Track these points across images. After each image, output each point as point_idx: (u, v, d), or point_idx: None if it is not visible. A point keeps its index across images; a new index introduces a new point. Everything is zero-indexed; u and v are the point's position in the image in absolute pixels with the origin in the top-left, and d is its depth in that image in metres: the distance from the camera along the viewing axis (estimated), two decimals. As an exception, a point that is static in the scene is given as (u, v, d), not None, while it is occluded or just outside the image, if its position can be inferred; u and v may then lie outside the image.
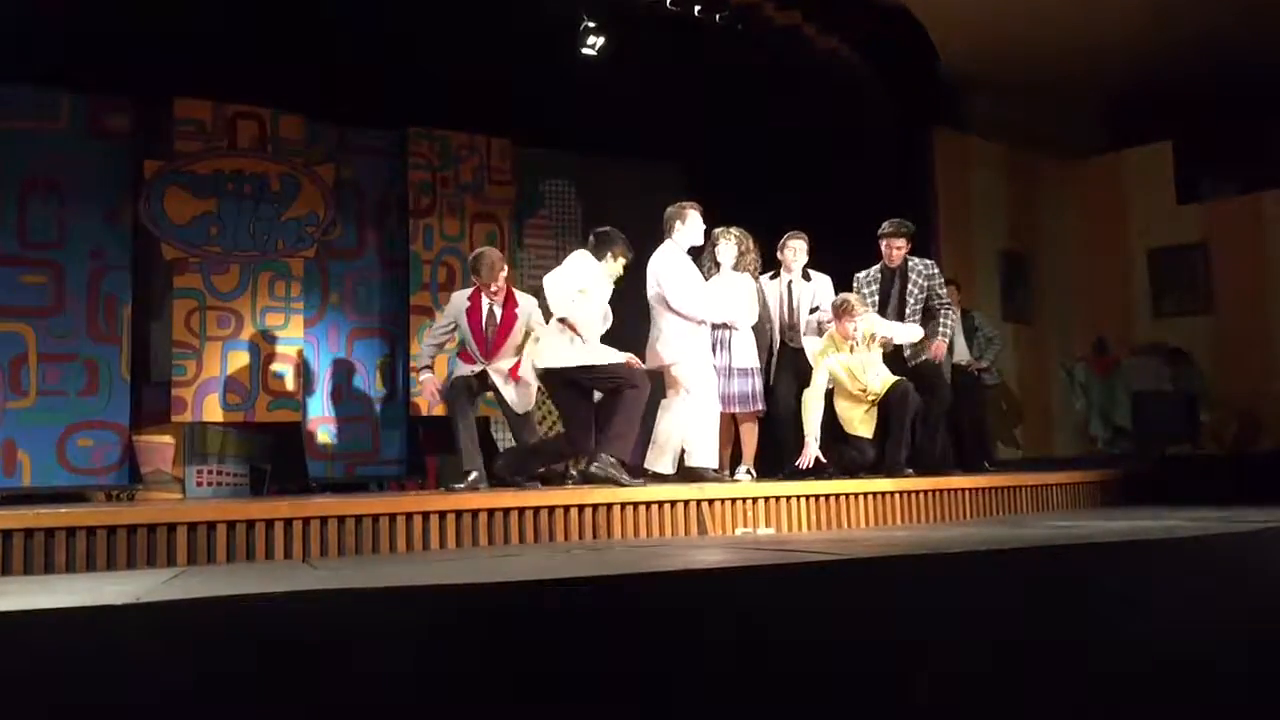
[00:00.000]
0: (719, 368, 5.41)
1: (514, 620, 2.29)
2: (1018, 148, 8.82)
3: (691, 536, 4.20)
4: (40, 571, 3.18)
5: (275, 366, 6.22)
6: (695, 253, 5.48)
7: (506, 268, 5.22)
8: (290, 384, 6.27)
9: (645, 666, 2.28)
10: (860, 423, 5.39)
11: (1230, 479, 6.07)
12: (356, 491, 6.11)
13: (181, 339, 6.01)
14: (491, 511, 3.89)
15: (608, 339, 4.89)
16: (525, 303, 5.19)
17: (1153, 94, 8.31)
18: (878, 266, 5.87)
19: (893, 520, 4.79)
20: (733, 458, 5.61)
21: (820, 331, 5.64)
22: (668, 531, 4.19)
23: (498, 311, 5.11)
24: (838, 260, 6.06)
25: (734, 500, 4.38)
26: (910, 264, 5.82)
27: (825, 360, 5.33)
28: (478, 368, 5.08)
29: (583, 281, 4.76)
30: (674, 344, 5.18)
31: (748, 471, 5.51)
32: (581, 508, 4.05)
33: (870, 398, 5.38)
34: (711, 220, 5.58)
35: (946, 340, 5.81)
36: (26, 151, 5.80)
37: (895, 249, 5.78)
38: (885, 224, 5.82)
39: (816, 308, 5.74)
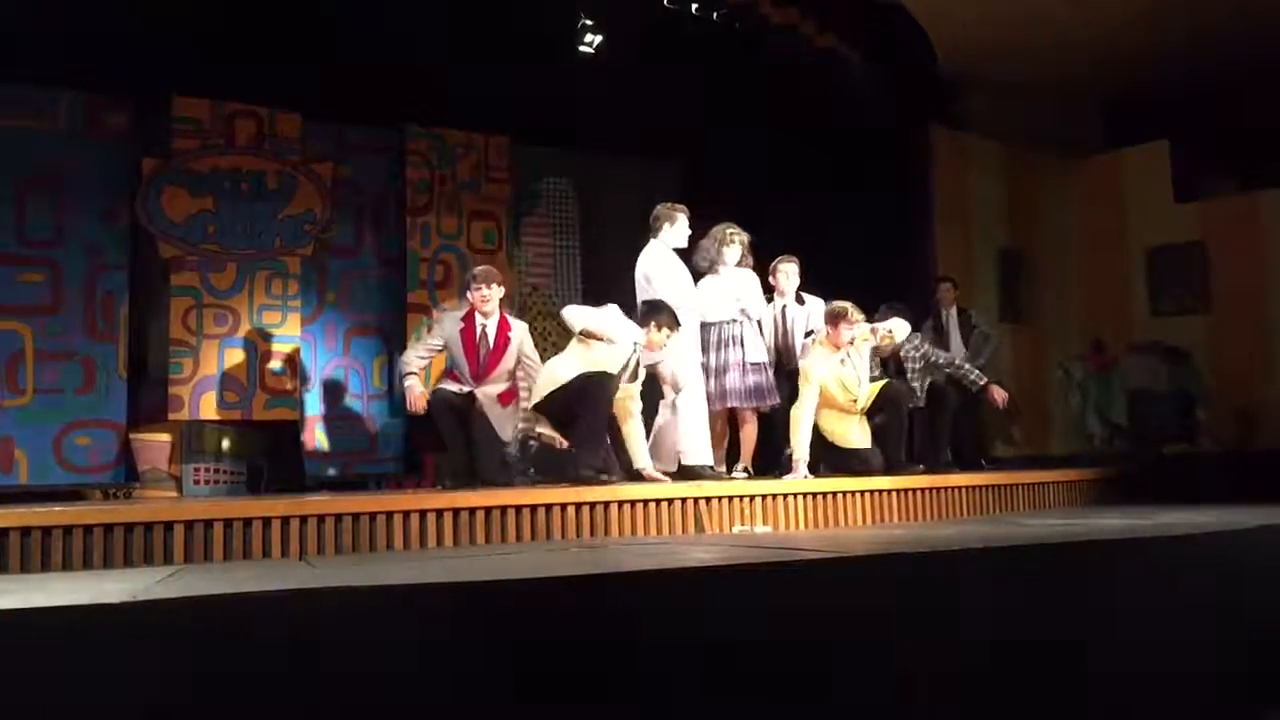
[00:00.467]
0: (733, 363, 5.39)
1: (513, 619, 2.29)
2: (1016, 146, 8.83)
3: (689, 535, 4.20)
4: (37, 570, 3.18)
5: (272, 364, 6.21)
6: (684, 254, 5.50)
7: (503, 290, 5.13)
8: (287, 382, 6.25)
9: (644, 666, 2.28)
10: (856, 435, 5.32)
11: (1227, 478, 6.09)
12: (354, 489, 6.10)
13: (179, 337, 6.00)
14: (489, 510, 3.89)
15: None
16: (518, 328, 5.13)
17: (1150, 92, 8.33)
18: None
19: (890, 518, 4.80)
20: (727, 455, 5.61)
21: None
22: (665, 530, 4.19)
23: (491, 333, 5.03)
24: (838, 259, 6.06)
25: (732, 498, 4.38)
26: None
27: (815, 373, 5.19)
28: (465, 388, 4.99)
29: (610, 330, 4.76)
30: None
31: (745, 470, 5.51)
32: (579, 506, 4.04)
33: (860, 408, 5.33)
34: (711, 219, 5.59)
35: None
36: (24, 150, 5.78)
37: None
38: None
39: (811, 331, 5.74)
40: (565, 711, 2.20)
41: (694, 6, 6.66)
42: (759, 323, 5.63)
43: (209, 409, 6.04)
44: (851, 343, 5.27)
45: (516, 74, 6.33)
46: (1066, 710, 2.74)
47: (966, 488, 5.18)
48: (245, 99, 6.23)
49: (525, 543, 3.87)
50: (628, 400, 4.94)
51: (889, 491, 4.83)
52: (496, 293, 5.06)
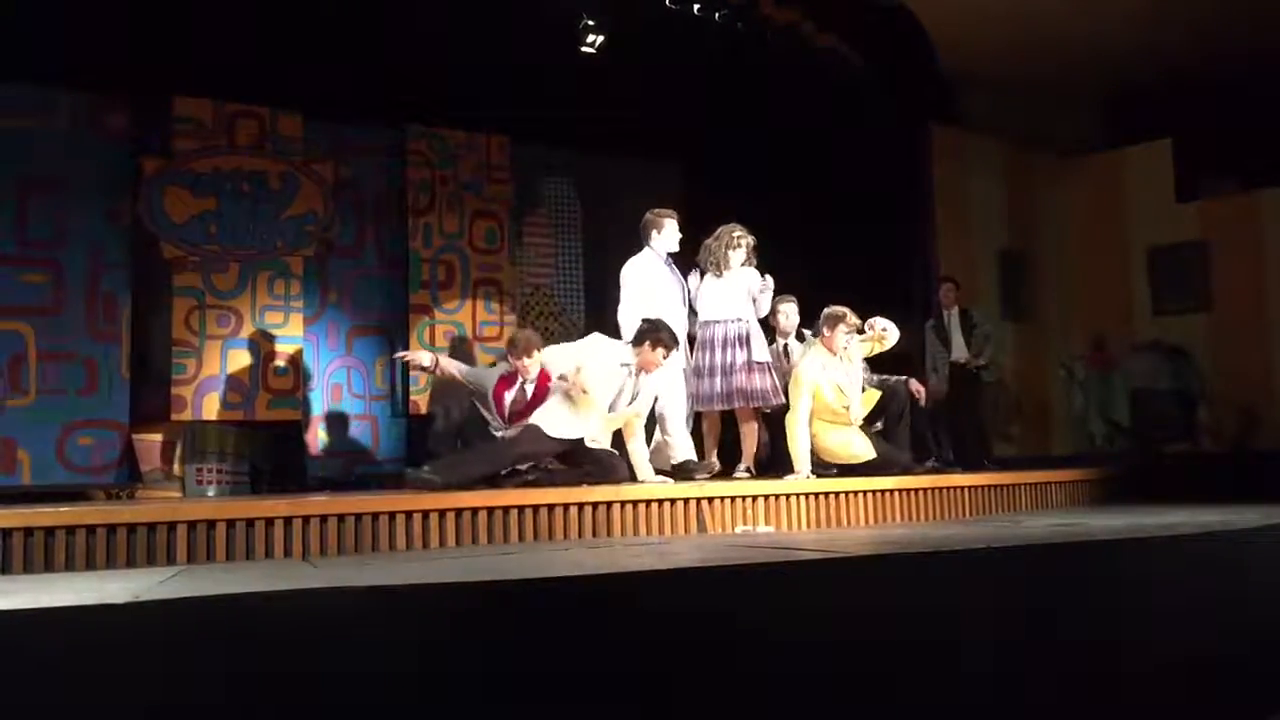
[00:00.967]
0: (739, 363, 5.36)
1: (514, 619, 2.29)
2: (1017, 145, 8.83)
3: (691, 535, 4.21)
4: (40, 570, 3.18)
5: (275, 365, 6.22)
6: (687, 256, 5.50)
7: (539, 351, 5.05)
8: (290, 382, 6.26)
9: (644, 665, 2.29)
10: (858, 446, 5.26)
11: (1228, 476, 6.09)
12: (356, 490, 6.10)
13: (181, 338, 6.01)
14: (491, 510, 3.90)
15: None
16: (557, 372, 5.04)
17: (1152, 91, 8.32)
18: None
19: (892, 518, 4.80)
20: (727, 456, 5.61)
21: None
22: (667, 530, 4.19)
23: (529, 389, 5.00)
24: (836, 259, 6.06)
25: (733, 499, 4.38)
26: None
27: (807, 376, 5.15)
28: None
29: (586, 379, 4.68)
30: None
31: (746, 470, 5.50)
32: (581, 506, 4.05)
33: (855, 417, 5.26)
34: (711, 219, 5.59)
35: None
36: (25, 150, 5.78)
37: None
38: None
39: (803, 334, 5.76)
40: (566, 711, 2.20)
41: (695, 7, 6.66)
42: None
43: (211, 409, 6.04)
44: (846, 347, 5.25)
45: (517, 74, 6.33)
46: (1066, 710, 2.74)
47: (968, 488, 5.18)
48: (246, 99, 6.23)
49: (528, 543, 3.87)
50: (633, 419, 4.91)
51: (890, 491, 4.83)
52: (537, 360, 4.99)
